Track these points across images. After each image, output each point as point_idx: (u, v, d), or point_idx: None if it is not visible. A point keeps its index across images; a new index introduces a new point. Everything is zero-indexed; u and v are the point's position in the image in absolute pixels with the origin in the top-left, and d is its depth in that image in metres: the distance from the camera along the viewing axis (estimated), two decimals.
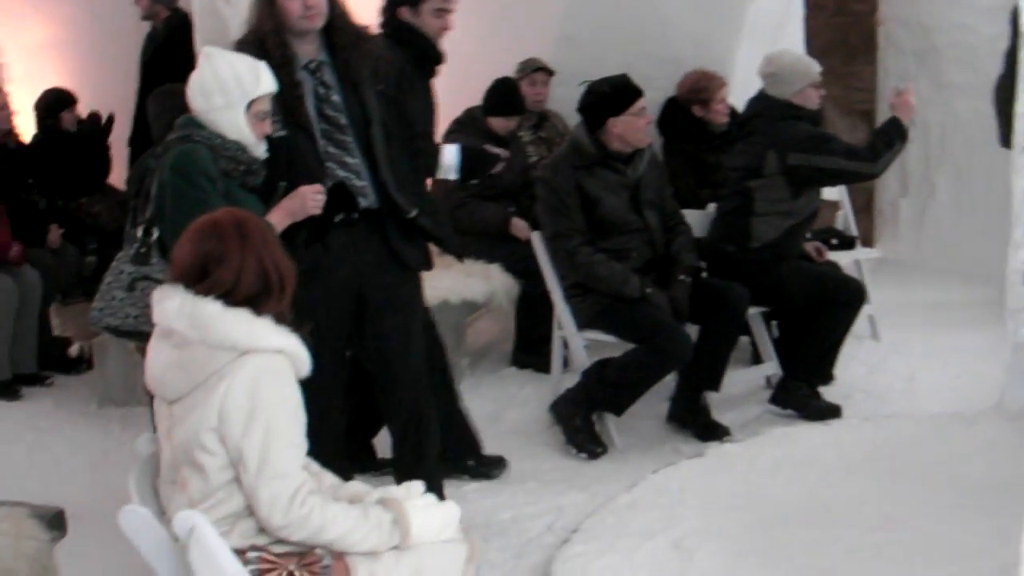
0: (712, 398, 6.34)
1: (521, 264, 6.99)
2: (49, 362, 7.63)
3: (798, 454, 5.81)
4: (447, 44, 5.49)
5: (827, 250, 7.09)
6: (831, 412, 6.41)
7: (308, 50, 4.60)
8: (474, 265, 7.03)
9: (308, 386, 3.44)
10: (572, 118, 6.68)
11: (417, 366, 4.83)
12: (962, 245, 9.91)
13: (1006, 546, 4.55)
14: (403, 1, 5.40)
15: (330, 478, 3.70)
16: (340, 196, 4.45)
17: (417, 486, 3.64)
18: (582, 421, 6.09)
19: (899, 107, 6.43)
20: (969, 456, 5.58)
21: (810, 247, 6.88)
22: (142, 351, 3.59)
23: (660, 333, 5.92)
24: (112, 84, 9.50)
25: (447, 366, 5.67)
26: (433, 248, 5.03)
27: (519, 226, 7.24)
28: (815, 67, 6.61)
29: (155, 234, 4.29)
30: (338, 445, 4.77)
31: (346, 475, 4.14)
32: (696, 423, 6.24)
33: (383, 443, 5.49)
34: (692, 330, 6.12)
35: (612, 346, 6.19)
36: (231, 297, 3.30)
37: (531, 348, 7.29)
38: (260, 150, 4.31)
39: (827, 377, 6.72)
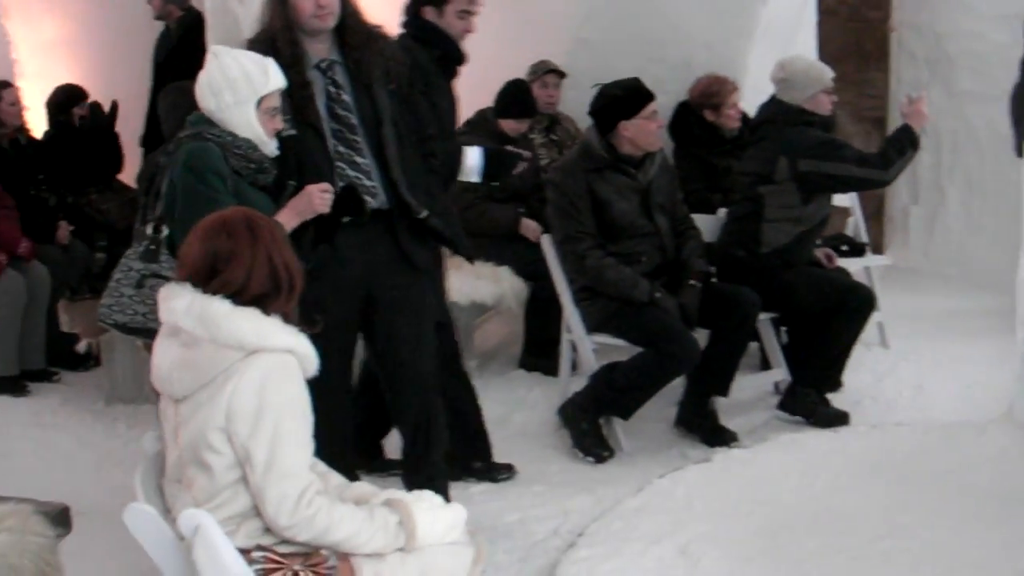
0: (720, 403, 6.33)
1: (530, 267, 6.99)
2: (57, 358, 7.64)
3: (806, 460, 5.79)
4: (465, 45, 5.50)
5: (837, 256, 7.07)
6: (839, 419, 6.40)
7: (320, 49, 4.60)
8: (483, 267, 7.03)
9: (315, 385, 3.44)
10: (584, 121, 6.67)
11: (427, 367, 4.82)
12: (972, 253, 9.90)
13: (1016, 556, 4.56)
14: (427, 1, 5.40)
15: (336, 478, 3.70)
16: (349, 199, 4.44)
17: (426, 494, 3.63)
18: (589, 425, 6.09)
19: (911, 115, 6.42)
20: (978, 465, 5.55)
21: (820, 253, 6.87)
22: (150, 348, 3.59)
23: (668, 337, 5.91)
24: (124, 81, 9.49)
25: (462, 366, 5.67)
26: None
27: (529, 227, 7.24)
28: (827, 73, 6.59)
29: (165, 231, 4.29)
30: (345, 445, 4.77)
31: (352, 475, 4.13)
32: (704, 428, 6.23)
33: (392, 444, 5.48)
34: (702, 335, 6.11)
35: (621, 350, 6.18)
36: (240, 296, 3.30)
37: (539, 351, 7.28)
38: (271, 147, 4.30)
39: (836, 384, 6.70)
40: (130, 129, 8.89)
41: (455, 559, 3.54)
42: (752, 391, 6.81)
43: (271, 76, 4.24)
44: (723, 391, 6.28)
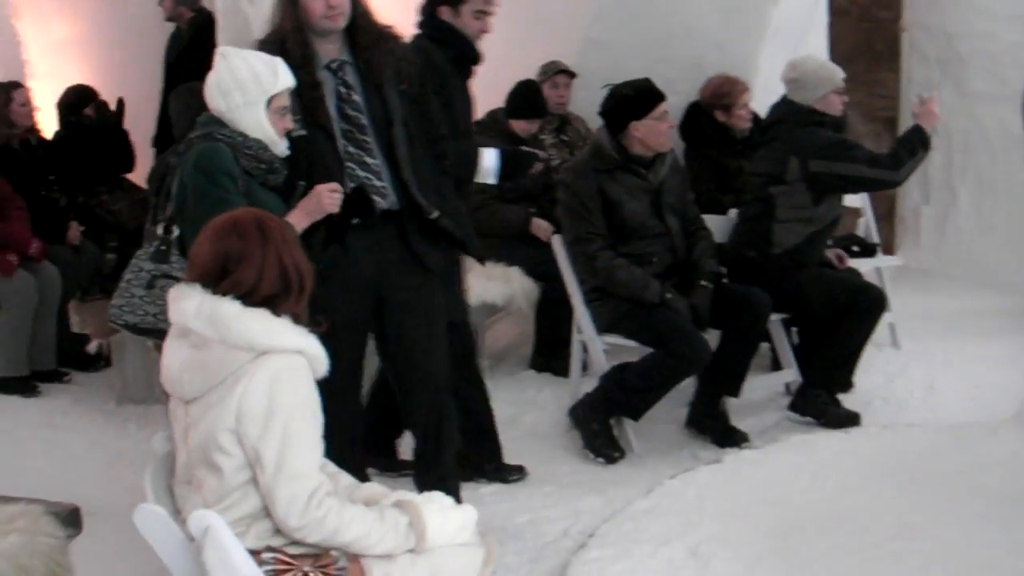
0: (731, 404, 6.32)
1: (541, 267, 6.98)
2: (67, 359, 7.64)
3: (817, 461, 5.79)
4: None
5: (848, 257, 7.05)
6: (850, 420, 6.38)
7: (330, 50, 4.60)
8: (494, 267, 7.03)
9: (325, 386, 3.43)
10: (594, 121, 6.66)
11: (437, 368, 4.80)
12: (983, 253, 9.88)
13: None
14: (444, 1, 5.40)
15: (346, 479, 3.69)
16: (358, 201, 4.43)
17: (436, 495, 3.63)
18: (600, 425, 6.08)
19: (923, 115, 6.41)
20: (989, 466, 5.55)
21: (831, 254, 6.85)
22: (160, 349, 3.59)
23: (678, 338, 5.90)
24: (135, 81, 9.50)
25: (476, 366, 5.67)
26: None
27: (540, 226, 7.23)
28: (839, 73, 6.58)
29: (175, 232, 4.29)
30: (355, 446, 4.77)
31: (362, 476, 4.13)
32: (714, 429, 6.22)
33: (405, 444, 5.48)
34: (713, 336, 6.10)
35: (631, 350, 6.18)
36: (251, 297, 3.29)
37: (550, 351, 7.28)
38: (281, 147, 4.29)
39: (847, 385, 6.69)
40: (142, 130, 8.90)
41: (465, 560, 3.53)
42: (763, 392, 6.80)
43: (280, 75, 4.23)
44: (734, 392, 6.27)
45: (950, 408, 6.73)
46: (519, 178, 5.79)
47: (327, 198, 4.30)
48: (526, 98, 7.44)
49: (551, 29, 8.16)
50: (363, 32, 4.60)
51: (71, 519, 3.75)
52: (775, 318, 6.51)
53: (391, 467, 5.63)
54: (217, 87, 4.23)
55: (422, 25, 5.45)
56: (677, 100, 7.17)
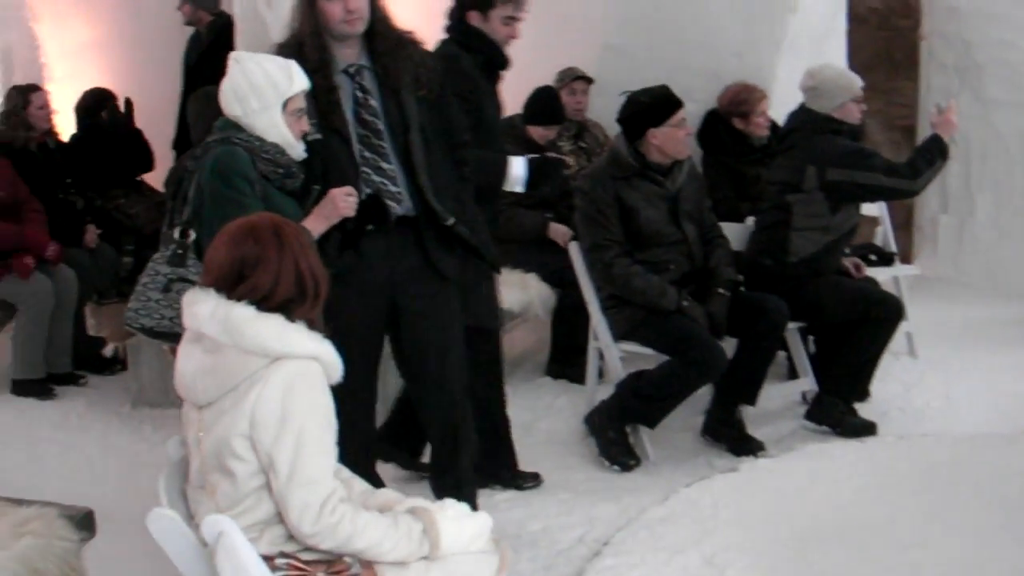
0: (747, 412, 6.31)
1: (558, 274, 6.97)
2: (83, 362, 7.66)
3: (833, 471, 5.77)
4: None
5: (865, 266, 7.04)
6: (866, 429, 6.36)
7: (348, 54, 4.59)
8: (511, 274, 7.01)
9: (339, 392, 3.43)
10: (612, 128, 6.66)
11: (454, 375, 4.77)
12: (1001, 263, 9.85)
13: None
14: (472, 6, 5.39)
15: (360, 484, 3.68)
16: (373, 207, 4.43)
17: (451, 502, 3.62)
18: (616, 433, 6.07)
19: (941, 125, 6.40)
20: (1007, 477, 5.53)
21: (848, 263, 6.84)
22: (176, 352, 3.58)
23: (695, 346, 5.89)
24: (154, 84, 9.52)
25: (500, 373, 5.66)
26: None
27: (558, 231, 7.23)
28: (857, 82, 6.57)
29: (192, 236, 4.28)
30: (368, 451, 4.76)
31: (376, 482, 4.12)
32: (730, 437, 6.21)
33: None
34: (730, 344, 6.09)
35: (648, 358, 6.17)
36: (266, 302, 3.29)
37: (566, 358, 7.27)
38: (298, 150, 4.29)
39: (863, 394, 6.67)
40: (161, 133, 8.91)
41: (479, 567, 3.52)
42: (779, 400, 6.79)
43: (294, 78, 4.22)
44: (751, 400, 6.26)
45: (968, 418, 6.70)
46: (547, 186, 5.77)
47: (342, 201, 4.30)
48: (544, 104, 7.44)
49: (569, 35, 8.16)
50: (382, 37, 4.59)
51: (85, 522, 3.75)
52: (792, 326, 6.50)
53: (413, 467, 5.63)
54: (233, 93, 4.22)
55: (450, 30, 5.45)
56: (695, 108, 7.17)
